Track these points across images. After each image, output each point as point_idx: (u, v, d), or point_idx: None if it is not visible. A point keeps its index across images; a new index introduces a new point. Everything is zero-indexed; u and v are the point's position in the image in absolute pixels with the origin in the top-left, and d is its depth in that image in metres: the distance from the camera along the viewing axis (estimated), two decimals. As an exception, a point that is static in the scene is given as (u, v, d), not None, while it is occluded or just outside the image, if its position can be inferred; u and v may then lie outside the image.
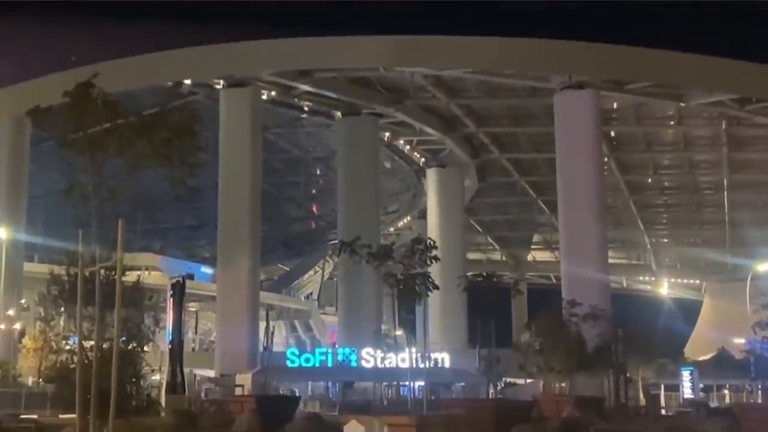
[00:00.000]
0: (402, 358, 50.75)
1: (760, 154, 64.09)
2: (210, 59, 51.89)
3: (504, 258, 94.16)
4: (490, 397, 43.51)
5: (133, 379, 25.39)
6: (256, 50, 51.74)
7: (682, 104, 54.69)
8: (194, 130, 19.48)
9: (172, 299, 35.59)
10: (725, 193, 70.69)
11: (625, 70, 50.76)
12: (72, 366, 22.83)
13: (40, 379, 38.93)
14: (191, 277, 53.47)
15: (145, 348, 26.27)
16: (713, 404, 48.54)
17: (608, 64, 50.59)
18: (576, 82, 50.81)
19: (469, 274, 59.22)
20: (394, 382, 51.82)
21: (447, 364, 53.46)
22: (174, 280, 36.94)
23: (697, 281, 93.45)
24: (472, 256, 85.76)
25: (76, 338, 20.71)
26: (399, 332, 55.43)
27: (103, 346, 19.94)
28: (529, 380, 49.75)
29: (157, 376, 40.04)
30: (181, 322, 36.07)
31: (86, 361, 18.93)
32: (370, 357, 52.22)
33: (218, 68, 52.73)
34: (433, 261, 40.53)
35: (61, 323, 27.41)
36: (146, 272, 49.33)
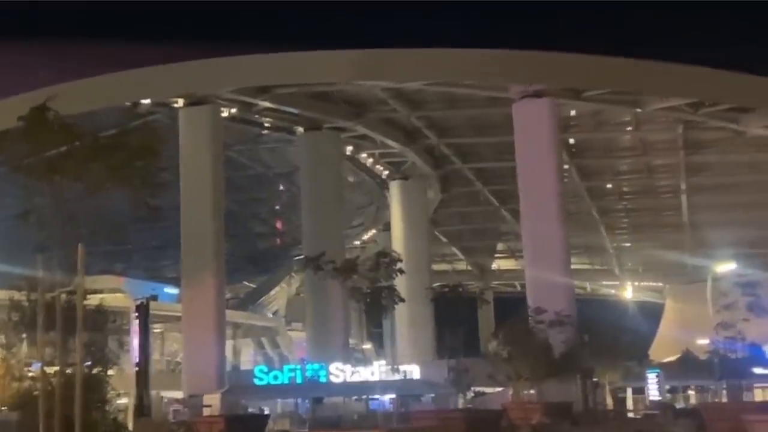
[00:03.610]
0: (371, 372, 50.76)
1: (716, 157, 65.02)
2: (168, 78, 51.56)
3: (469, 268, 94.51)
4: (459, 407, 43.61)
5: (99, 404, 25.07)
6: (215, 68, 51.53)
7: (639, 110, 55.42)
8: (154, 150, 19.38)
9: (136, 321, 35.28)
10: (683, 196, 71.62)
11: (581, 78, 51.35)
12: (35, 393, 22.49)
13: (3, 407, 38.26)
14: (155, 298, 52.80)
15: (110, 372, 25.96)
16: (679, 405, 49.14)
17: (565, 73, 51.14)
18: (534, 91, 51.28)
19: (435, 285, 59.53)
20: (364, 396, 51.75)
21: (416, 376, 53.42)
22: (138, 302, 36.65)
23: (660, 284, 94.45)
24: (438, 267, 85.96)
25: (39, 364, 20.45)
26: (367, 346, 55.54)
27: (67, 371, 19.69)
28: (498, 389, 49.94)
29: (123, 400, 39.61)
30: (146, 343, 35.75)
31: (50, 388, 18.70)
32: (339, 372, 52.04)
33: (177, 87, 52.41)
34: (399, 273, 40.77)
35: (23, 350, 27.02)
36: (109, 295, 48.90)
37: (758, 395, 51.91)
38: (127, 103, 53.23)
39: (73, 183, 19.06)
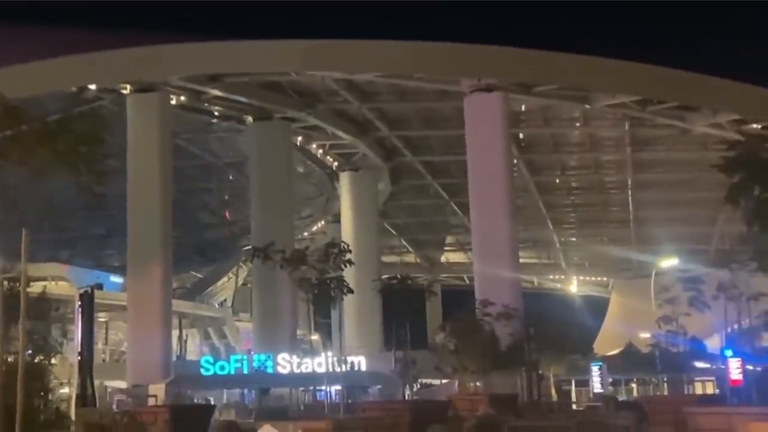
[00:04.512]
0: (318, 363, 50.75)
1: (662, 154, 66.17)
2: (116, 64, 50.87)
3: (418, 260, 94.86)
4: (406, 398, 43.81)
5: (41, 394, 24.66)
6: (164, 54, 50.96)
7: (587, 106, 56.11)
8: (100, 137, 19.07)
9: (80, 310, 34.71)
10: (629, 192, 72.75)
11: (531, 73, 51.83)
12: (-25, 382, 22.05)
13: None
14: (100, 286, 52.14)
15: (53, 361, 25.56)
16: (622, 398, 49.95)
17: (515, 68, 51.59)
18: (485, 85, 51.59)
19: (383, 276, 59.60)
20: (311, 387, 51.73)
21: (363, 367, 53.59)
22: (82, 290, 36.04)
23: (605, 278, 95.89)
24: (387, 258, 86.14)
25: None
26: (315, 337, 55.42)
27: (8, 360, 19.35)
28: (444, 381, 50.28)
29: (66, 390, 38.99)
30: (90, 332, 35.20)
31: (-10, 376, 18.33)
32: (286, 363, 51.98)
33: (125, 73, 51.72)
34: (348, 264, 40.73)
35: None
36: (53, 283, 48.11)
37: (698, 388, 53.03)
38: (73, 89, 52.31)
39: (18, 168, 18.70)
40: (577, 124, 63.37)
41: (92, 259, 76.26)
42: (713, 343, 56.04)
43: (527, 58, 50.98)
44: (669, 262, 70.65)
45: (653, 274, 69.25)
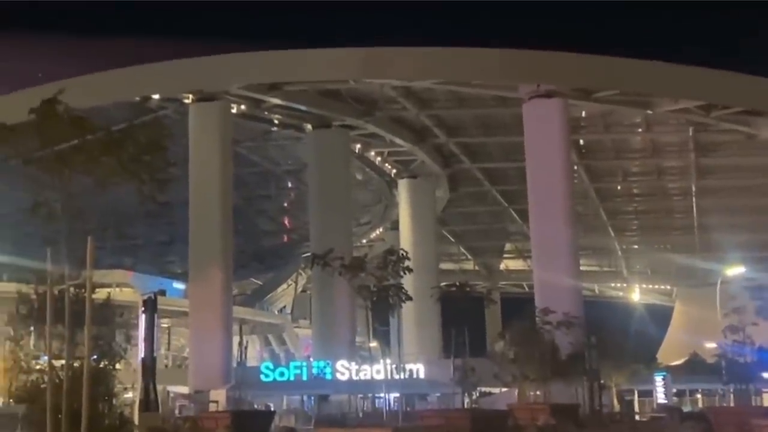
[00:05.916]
0: (377, 370, 50.75)
1: (727, 160, 64.83)
2: (179, 74, 51.78)
3: (477, 267, 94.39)
4: (465, 407, 43.55)
5: (105, 398, 25.05)
6: (225, 64, 51.73)
7: (650, 112, 55.22)
8: (163, 146, 19.38)
9: (144, 315, 35.28)
10: (693, 198, 71.37)
11: (592, 78, 51.25)
12: (43, 386, 22.50)
13: (11, 400, 38.28)
14: (163, 293, 52.85)
15: (117, 366, 25.97)
16: (686, 409, 48.96)
17: (576, 73, 51.08)
18: (544, 91, 51.12)
19: (442, 284, 59.40)
20: (370, 394, 51.74)
21: (422, 375, 53.43)
22: (146, 297, 36.61)
23: (668, 287, 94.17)
24: (445, 266, 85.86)
25: (47, 357, 20.50)
26: (373, 344, 55.47)
27: (74, 365, 19.71)
28: (504, 389, 49.84)
29: (129, 394, 39.66)
30: (153, 338, 35.73)
31: (57, 381, 18.72)
32: (345, 369, 52.10)
33: (187, 83, 52.57)
34: (406, 272, 40.67)
35: (31, 343, 27.02)
36: (117, 289, 48.95)
37: (766, 400, 51.69)
38: (137, 98, 53.27)
39: (83, 177, 19.08)
40: (639, 130, 62.41)
41: (155, 265, 77.46)
42: (782, 354, 54.50)
43: (587, 63, 50.43)
44: (735, 271, 69.04)
45: (719, 283, 67.75)
